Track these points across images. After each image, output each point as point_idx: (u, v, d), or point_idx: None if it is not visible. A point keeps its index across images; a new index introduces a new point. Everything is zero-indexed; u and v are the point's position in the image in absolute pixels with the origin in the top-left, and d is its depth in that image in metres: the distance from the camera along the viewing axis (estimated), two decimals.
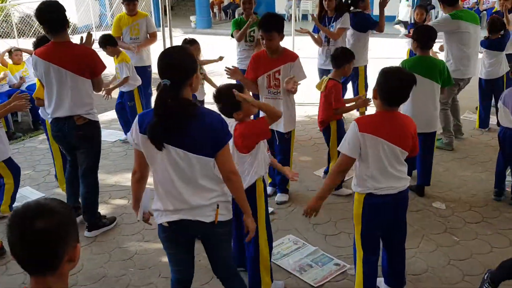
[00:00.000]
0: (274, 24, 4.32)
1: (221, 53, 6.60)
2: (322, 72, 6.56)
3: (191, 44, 5.89)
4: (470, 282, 3.61)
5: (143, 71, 6.82)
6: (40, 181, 5.60)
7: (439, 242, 4.14)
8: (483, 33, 6.35)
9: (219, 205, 2.63)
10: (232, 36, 6.68)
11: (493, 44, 6.42)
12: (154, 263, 3.97)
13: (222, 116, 2.54)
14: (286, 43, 4.91)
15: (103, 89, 4.41)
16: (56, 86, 4.04)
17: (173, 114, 2.43)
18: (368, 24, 6.69)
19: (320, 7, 6.63)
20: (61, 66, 3.97)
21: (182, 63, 2.49)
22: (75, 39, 4.31)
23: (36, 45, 4.75)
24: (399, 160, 3.01)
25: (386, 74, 3.00)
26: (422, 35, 4.63)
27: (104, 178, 5.63)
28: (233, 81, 4.43)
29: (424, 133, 4.55)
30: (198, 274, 3.69)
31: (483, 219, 4.50)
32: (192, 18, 19.42)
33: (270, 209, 4.71)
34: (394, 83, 2.94)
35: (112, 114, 7.62)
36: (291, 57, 4.47)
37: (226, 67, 4.47)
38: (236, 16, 6.72)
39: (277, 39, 4.35)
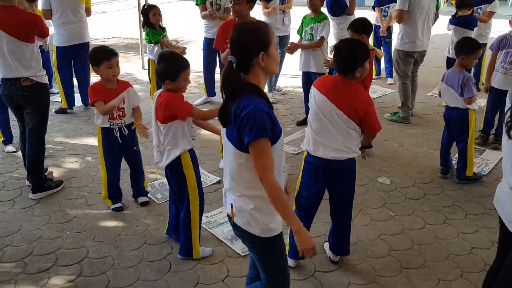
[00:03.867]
0: None
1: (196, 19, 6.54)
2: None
3: (149, 10, 5.86)
4: (394, 257, 3.66)
5: None
6: None
7: (375, 216, 4.18)
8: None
9: (232, 205, 2.33)
10: (197, 4, 6.57)
11: (461, 21, 6.36)
12: (90, 227, 4.02)
13: (264, 109, 2.15)
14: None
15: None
16: None
17: (228, 93, 2.21)
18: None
19: None
20: (1, 29, 4.04)
21: (245, 37, 2.19)
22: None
23: None
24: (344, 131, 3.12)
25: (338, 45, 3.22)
26: None
27: (61, 141, 5.70)
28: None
29: None
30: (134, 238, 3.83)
31: (424, 195, 4.54)
32: None
33: (217, 178, 4.77)
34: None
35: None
36: None
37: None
38: None
39: (244, 4, 4.28)
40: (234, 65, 2.17)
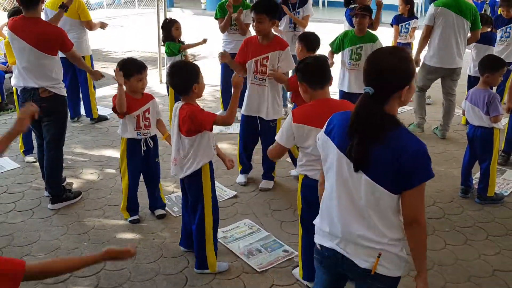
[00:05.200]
0: (265, 7, 4.31)
1: (214, 33, 6.56)
2: None
3: (172, 24, 5.91)
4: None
5: None
6: (18, 152, 5.64)
7: None
8: None
9: (380, 255, 2.08)
10: (216, 18, 6.61)
11: (482, 38, 6.33)
12: (108, 238, 4.02)
13: (425, 146, 2.02)
14: None
15: None
16: (19, 57, 4.22)
17: (370, 131, 1.98)
18: None
19: None
20: (23, 39, 4.12)
21: (397, 68, 1.99)
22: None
23: (11, 15, 4.89)
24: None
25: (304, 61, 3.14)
26: None
27: (80, 152, 5.73)
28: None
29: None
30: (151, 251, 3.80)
31: (444, 215, 4.47)
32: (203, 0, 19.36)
33: (233, 193, 4.75)
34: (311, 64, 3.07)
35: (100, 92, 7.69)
36: (281, 45, 4.44)
37: (219, 52, 4.58)
38: None
39: (267, 22, 4.32)
40: (371, 97, 1.99)
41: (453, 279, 3.57)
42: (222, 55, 4.54)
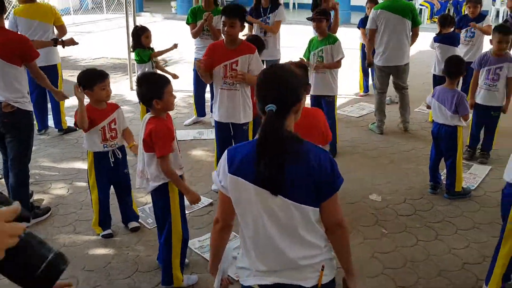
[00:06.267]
0: (237, 11, 4.30)
1: (184, 38, 6.52)
2: None
3: (142, 32, 5.86)
4: (388, 275, 3.65)
5: None
6: None
7: (367, 234, 4.18)
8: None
9: (324, 267, 2.06)
10: (187, 23, 6.57)
11: (445, 38, 6.46)
12: (80, 255, 3.95)
13: (330, 155, 2.04)
14: None
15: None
16: None
17: (277, 150, 1.91)
18: None
19: None
20: None
21: (291, 84, 2.00)
22: None
23: None
24: None
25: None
26: None
27: (48, 166, 5.64)
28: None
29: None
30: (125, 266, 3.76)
31: (415, 211, 4.55)
32: (173, 3, 19.19)
33: (209, 200, 4.74)
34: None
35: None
36: (250, 49, 4.42)
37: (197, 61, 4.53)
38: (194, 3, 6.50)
39: (238, 27, 4.31)
40: (275, 114, 1.92)
41: (425, 275, 3.64)
42: (198, 64, 4.46)
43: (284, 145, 1.90)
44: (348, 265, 2.18)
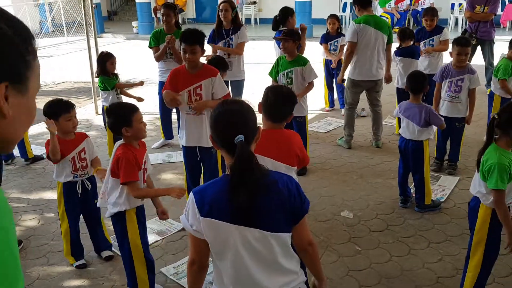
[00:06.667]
0: (197, 38, 4.29)
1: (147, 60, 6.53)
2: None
3: (108, 58, 5.83)
4: None
5: None
6: None
7: (342, 252, 4.21)
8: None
9: None
10: (150, 47, 6.56)
11: (406, 52, 6.62)
12: (55, 287, 3.89)
13: (294, 179, 2.12)
14: None
15: None
16: None
17: (255, 175, 1.92)
18: None
19: (218, 20, 6.56)
20: None
21: (253, 116, 2.09)
22: None
23: None
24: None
25: (268, 91, 3.16)
26: None
27: (17, 197, 5.51)
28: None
29: None
30: None
31: (387, 226, 4.61)
32: (134, 23, 19.15)
33: (180, 225, 4.69)
34: (273, 99, 3.10)
35: (33, 129, 7.45)
36: (212, 72, 4.42)
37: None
38: (158, 26, 6.48)
39: (199, 53, 4.32)
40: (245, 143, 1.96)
41: None
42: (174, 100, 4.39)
43: (257, 175, 1.92)
44: (320, 273, 2.29)
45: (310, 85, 5.56)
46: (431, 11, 7.04)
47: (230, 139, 1.93)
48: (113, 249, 4.31)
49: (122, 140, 3.36)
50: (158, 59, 6.45)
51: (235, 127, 1.97)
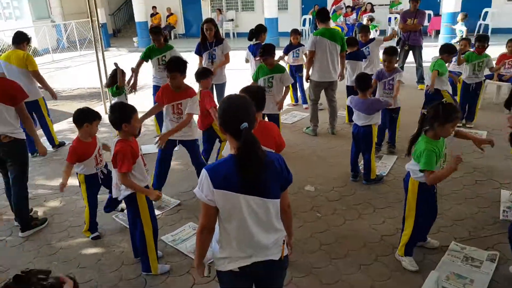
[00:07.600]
0: (177, 66, 4.26)
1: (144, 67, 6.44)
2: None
3: (121, 74, 5.66)
4: (324, 250, 3.72)
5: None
6: None
7: (306, 218, 4.23)
8: None
9: (285, 241, 2.22)
10: (141, 57, 6.41)
11: (351, 56, 6.66)
12: (75, 256, 3.82)
13: (282, 157, 2.20)
14: None
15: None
16: None
17: (260, 159, 1.98)
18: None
19: (202, 35, 6.45)
20: None
21: (253, 108, 2.10)
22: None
23: None
24: None
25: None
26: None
27: (43, 183, 5.40)
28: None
29: None
30: (113, 261, 3.65)
31: (341, 197, 4.64)
32: (135, 39, 18.82)
33: (176, 201, 4.67)
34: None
35: (56, 127, 7.28)
36: (190, 93, 4.41)
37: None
38: (150, 43, 6.41)
39: (179, 78, 4.30)
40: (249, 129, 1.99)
41: (353, 247, 3.73)
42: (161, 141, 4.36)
43: (261, 152, 1.98)
44: (290, 229, 2.37)
45: (287, 89, 5.54)
46: (365, 30, 7.28)
47: (237, 125, 1.96)
48: (122, 222, 4.28)
49: (118, 136, 3.30)
50: (136, 68, 6.37)
51: (240, 116, 2.00)
